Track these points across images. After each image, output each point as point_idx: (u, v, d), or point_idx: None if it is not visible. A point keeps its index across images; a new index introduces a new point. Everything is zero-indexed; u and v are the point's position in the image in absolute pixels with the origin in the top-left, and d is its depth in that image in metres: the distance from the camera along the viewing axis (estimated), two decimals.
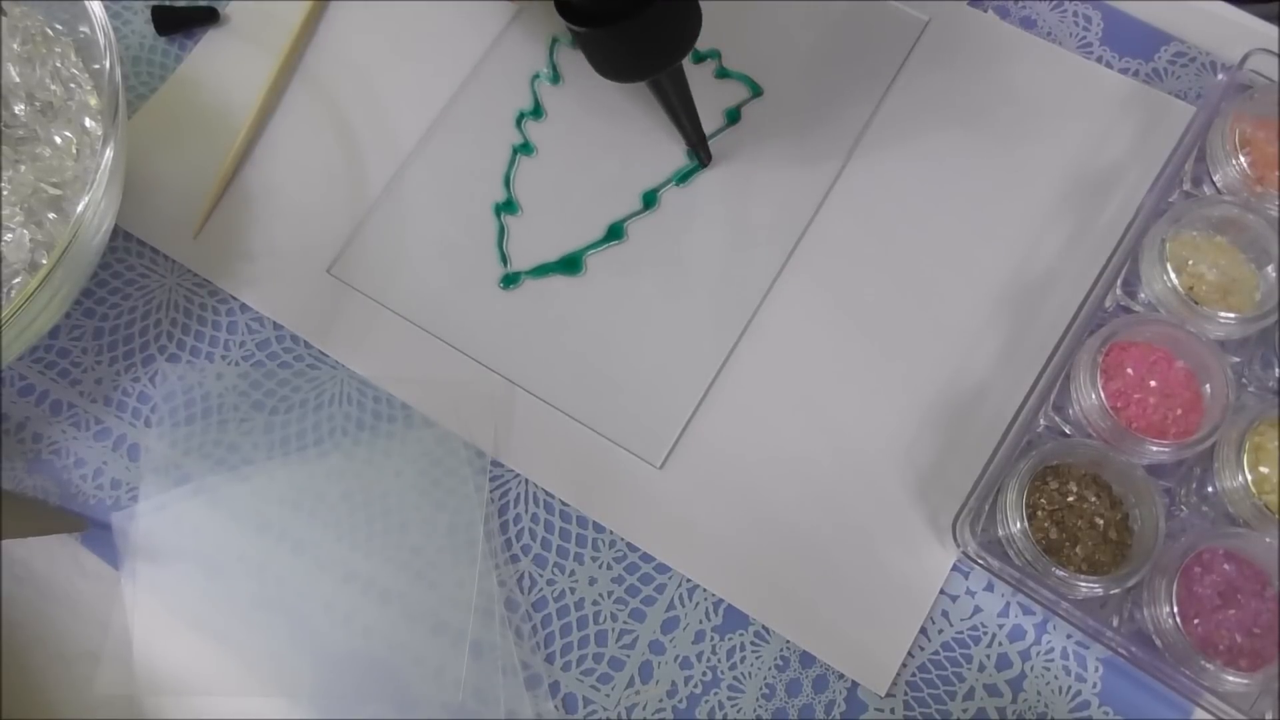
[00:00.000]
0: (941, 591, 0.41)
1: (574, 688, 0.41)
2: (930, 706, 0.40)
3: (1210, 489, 0.40)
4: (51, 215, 0.44)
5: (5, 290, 0.42)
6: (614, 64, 0.42)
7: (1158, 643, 0.38)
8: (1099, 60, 0.49)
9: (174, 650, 0.41)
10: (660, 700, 0.41)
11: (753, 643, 0.41)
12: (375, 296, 0.47)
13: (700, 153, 0.47)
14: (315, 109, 0.50)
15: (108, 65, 0.41)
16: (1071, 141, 0.47)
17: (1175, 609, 0.37)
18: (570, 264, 0.47)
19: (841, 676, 0.40)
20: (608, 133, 0.49)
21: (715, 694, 0.41)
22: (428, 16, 0.52)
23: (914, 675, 0.40)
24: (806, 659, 0.41)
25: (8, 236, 0.43)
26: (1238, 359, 0.42)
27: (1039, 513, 0.39)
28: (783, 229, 0.47)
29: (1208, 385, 0.40)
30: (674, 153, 0.48)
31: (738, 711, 0.40)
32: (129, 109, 0.50)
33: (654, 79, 0.43)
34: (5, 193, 0.43)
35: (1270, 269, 0.42)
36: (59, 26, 0.47)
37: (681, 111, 0.45)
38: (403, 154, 0.49)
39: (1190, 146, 0.44)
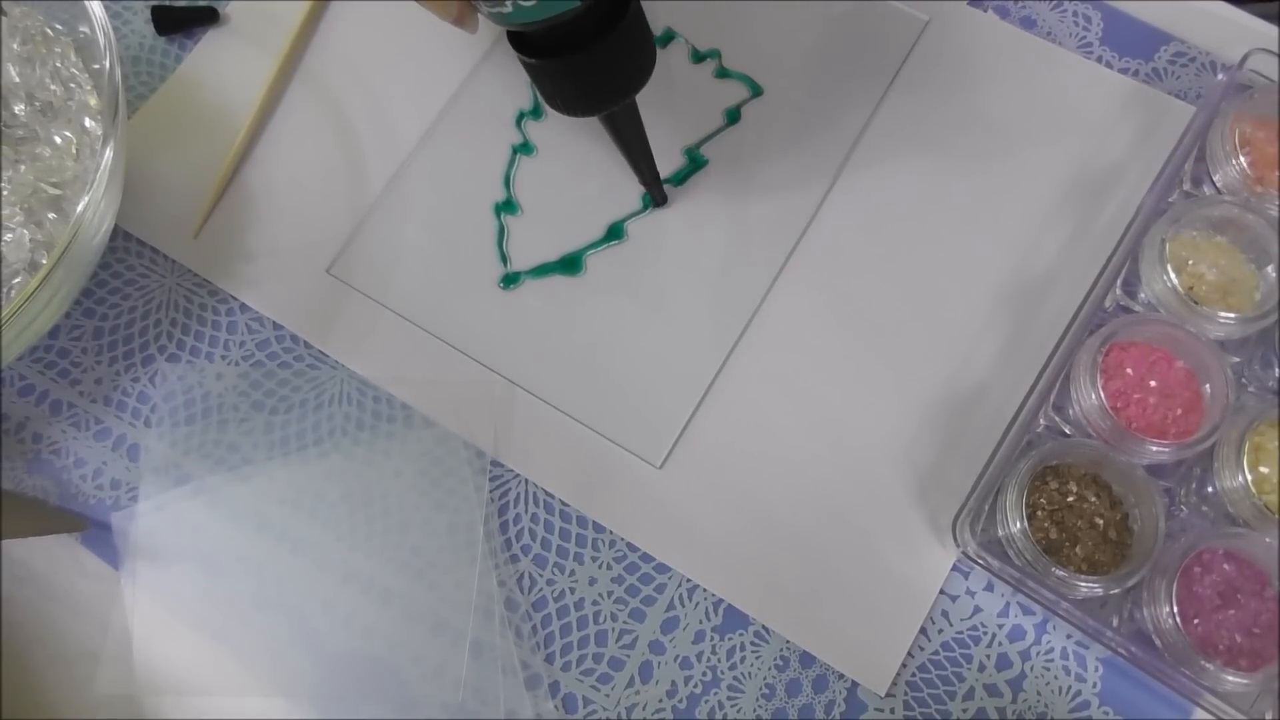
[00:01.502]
0: (941, 591, 0.41)
1: (574, 688, 0.41)
2: (930, 706, 0.40)
3: (1210, 489, 0.40)
4: (51, 215, 0.44)
5: (5, 290, 0.42)
6: (565, 97, 0.40)
7: (1158, 643, 0.38)
8: (1099, 60, 0.49)
9: (174, 650, 0.41)
10: (660, 700, 0.41)
11: (753, 643, 0.41)
12: (375, 296, 0.47)
13: (654, 193, 0.46)
14: (315, 109, 0.50)
15: (108, 65, 0.41)
16: (1071, 141, 0.47)
17: (1175, 609, 0.37)
18: (570, 264, 0.47)
19: (841, 676, 0.40)
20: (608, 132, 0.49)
21: (715, 694, 0.41)
22: (428, 16, 0.51)
23: (914, 675, 0.40)
24: (806, 659, 0.41)
25: (8, 236, 0.43)
26: (1238, 359, 0.42)
27: (1039, 513, 0.39)
28: (782, 229, 0.47)
29: (1208, 385, 0.40)
30: (674, 153, 0.48)
31: (738, 711, 0.40)
32: (129, 109, 0.50)
33: (607, 114, 0.41)
34: (5, 193, 0.43)
35: (1270, 269, 0.42)
36: (59, 26, 0.47)
37: (636, 149, 0.44)
38: (403, 154, 0.49)
39: (1190, 146, 0.44)
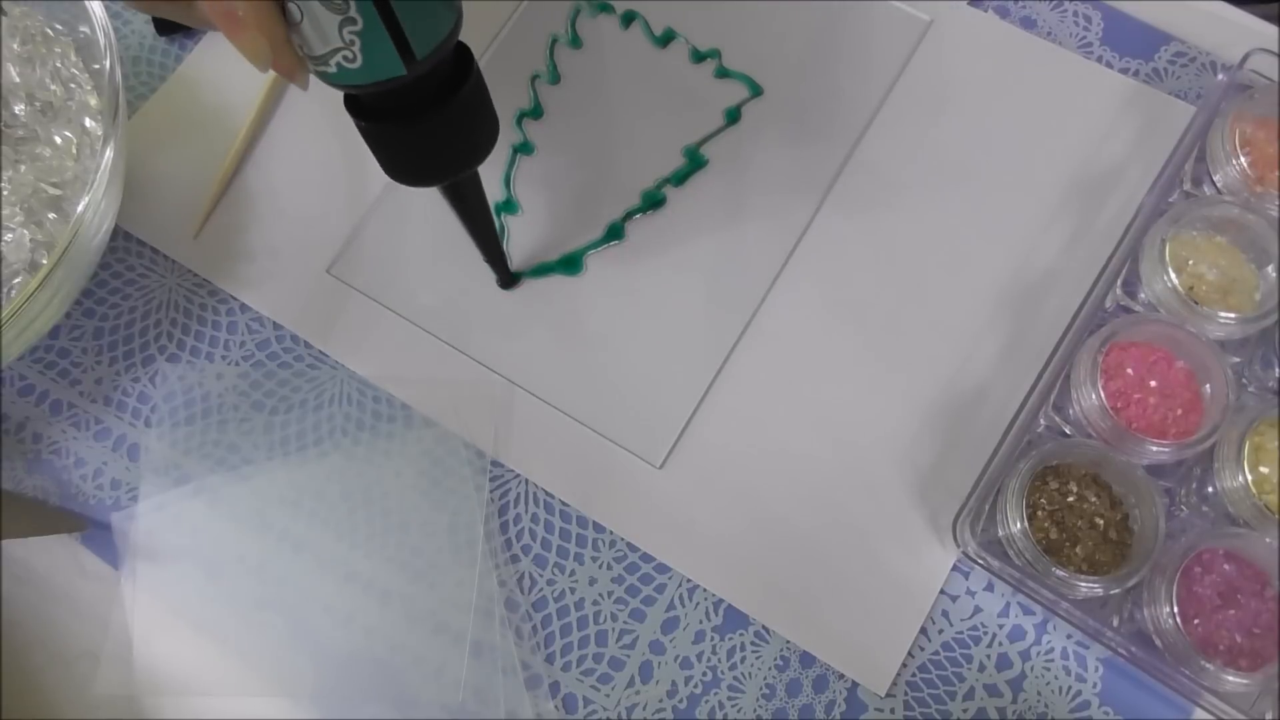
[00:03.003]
0: (941, 591, 0.41)
1: (574, 688, 0.41)
2: (930, 706, 0.40)
3: (1210, 489, 0.40)
4: (51, 215, 0.44)
5: (5, 290, 0.42)
6: (399, 166, 0.38)
7: (1158, 643, 0.38)
8: (1099, 60, 0.49)
9: (174, 650, 0.41)
10: (660, 700, 0.41)
11: (753, 643, 0.41)
12: (375, 296, 0.47)
13: (498, 273, 0.45)
14: (315, 109, 0.50)
15: (108, 65, 0.41)
16: (1071, 141, 0.47)
17: (1175, 609, 0.37)
18: (570, 264, 0.47)
19: (841, 676, 0.40)
20: (607, 132, 0.49)
21: (715, 694, 0.41)
22: None
23: (914, 675, 0.40)
24: (806, 659, 0.41)
25: (8, 236, 0.43)
26: (1238, 359, 0.42)
27: (1039, 513, 0.39)
28: (782, 229, 0.47)
29: (1208, 385, 0.40)
30: (673, 153, 0.48)
31: (738, 711, 0.40)
32: (129, 109, 0.50)
33: (449, 184, 0.39)
34: (5, 193, 0.43)
35: (1270, 269, 0.42)
36: (59, 26, 0.47)
37: (478, 223, 0.42)
38: None
39: (1190, 146, 0.44)
